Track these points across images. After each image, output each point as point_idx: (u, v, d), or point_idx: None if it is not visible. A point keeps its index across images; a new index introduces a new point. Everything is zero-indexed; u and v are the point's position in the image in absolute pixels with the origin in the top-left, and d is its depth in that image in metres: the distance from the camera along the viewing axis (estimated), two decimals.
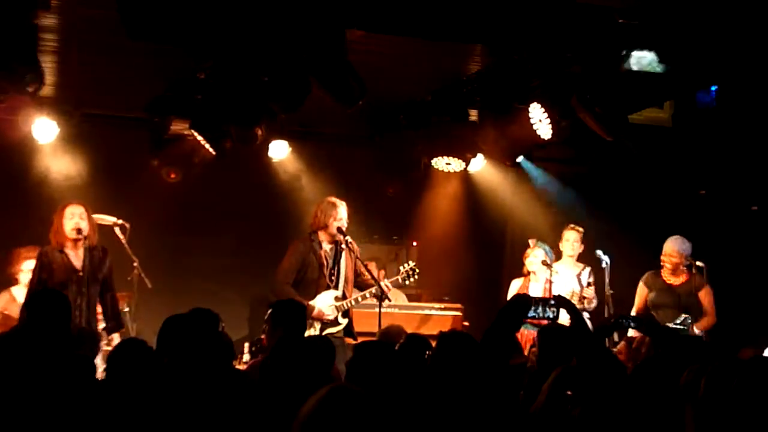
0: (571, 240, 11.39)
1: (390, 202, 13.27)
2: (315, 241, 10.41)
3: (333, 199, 10.54)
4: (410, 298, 12.40)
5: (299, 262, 10.31)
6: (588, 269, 11.38)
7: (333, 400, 3.37)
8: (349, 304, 10.34)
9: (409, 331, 8.57)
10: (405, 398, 5.25)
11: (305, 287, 10.27)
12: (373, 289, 10.33)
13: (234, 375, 6.00)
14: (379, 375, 5.63)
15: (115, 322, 9.83)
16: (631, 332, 9.60)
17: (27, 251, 10.48)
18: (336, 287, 10.37)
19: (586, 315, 11.13)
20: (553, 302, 6.27)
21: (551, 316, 6.23)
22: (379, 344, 6.39)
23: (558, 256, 11.43)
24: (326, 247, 10.43)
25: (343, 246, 10.43)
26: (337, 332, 10.27)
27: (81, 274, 9.52)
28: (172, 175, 12.16)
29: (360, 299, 10.40)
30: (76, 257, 9.59)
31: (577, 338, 6.21)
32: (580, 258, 11.48)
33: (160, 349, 5.67)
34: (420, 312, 11.15)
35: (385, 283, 10.33)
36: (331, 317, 10.22)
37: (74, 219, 9.60)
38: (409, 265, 10.76)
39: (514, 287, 11.26)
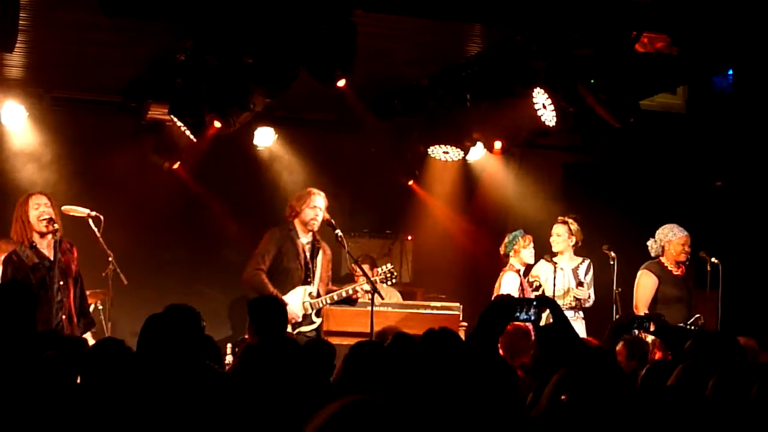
0: (554, 233, 11.45)
1: (383, 193, 13.26)
2: (292, 230, 10.53)
3: (310, 188, 10.69)
4: (405, 296, 12.39)
5: (275, 249, 10.44)
6: (587, 263, 11.40)
7: (353, 413, 3.25)
8: (322, 303, 10.42)
9: (404, 331, 8.58)
10: (395, 400, 5.27)
11: (281, 276, 10.40)
12: (350, 289, 10.46)
13: (216, 376, 6.02)
14: (372, 376, 5.66)
15: (86, 320, 9.78)
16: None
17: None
18: (312, 282, 10.46)
19: (581, 314, 11.20)
20: (535, 303, 6.25)
21: (535, 318, 6.20)
22: (374, 344, 6.42)
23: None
24: (303, 239, 10.53)
25: (319, 245, 10.63)
26: (310, 331, 10.37)
27: (56, 268, 9.46)
28: (166, 165, 12.19)
29: (336, 297, 10.49)
30: (48, 250, 9.53)
31: (561, 340, 6.22)
32: (580, 251, 11.52)
33: (142, 350, 5.67)
34: (415, 311, 11.13)
35: (359, 286, 10.49)
36: (300, 318, 10.30)
37: (40, 209, 9.50)
38: (387, 267, 10.87)
39: (511, 283, 11.31)
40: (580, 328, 10.72)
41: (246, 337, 8.63)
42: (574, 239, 11.43)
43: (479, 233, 13.72)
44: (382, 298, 10.60)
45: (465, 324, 10.98)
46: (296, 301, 10.32)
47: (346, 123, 13.02)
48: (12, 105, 11.43)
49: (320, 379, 5.85)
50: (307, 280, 10.50)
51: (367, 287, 10.37)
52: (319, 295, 10.49)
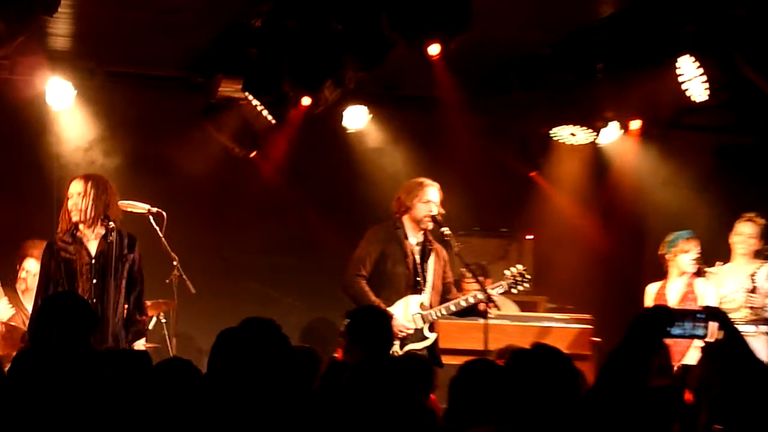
0: (745, 234, 11.23)
1: (496, 184, 13.20)
2: (399, 229, 10.42)
3: (422, 179, 10.52)
4: (523, 307, 12.33)
5: (378, 252, 10.29)
6: (766, 267, 11.19)
7: None
8: (436, 315, 10.31)
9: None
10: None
11: (386, 283, 10.24)
12: (470, 297, 10.31)
13: (302, 400, 6.03)
14: (487, 402, 5.64)
15: (135, 328, 9.75)
16: None
17: (33, 246, 10.54)
18: (423, 290, 10.35)
19: (764, 328, 10.97)
20: (702, 315, 6.11)
21: (701, 333, 6.06)
22: (488, 364, 6.39)
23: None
24: (412, 240, 10.43)
25: (432, 246, 10.46)
26: (422, 349, 10.24)
27: (94, 261, 9.49)
28: (240, 152, 12.25)
29: (453, 307, 10.36)
30: (93, 240, 9.55)
31: (731, 359, 6.12)
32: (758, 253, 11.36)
33: (213, 372, 5.69)
34: (537, 324, 11.10)
35: (490, 292, 10.31)
36: (412, 331, 10.21)
37: (72, 200, 9.52)
38: (517, 268, 10.66)
39: (651, 293, 11.18)
40: (761, 344, 10.52)
41: (336, 355, 8.63)
42: (761, 242, 11.24)
43: (613, 231, 13.64)
44: (499, 309, 10.50)
45: (599, 340, 10.90)
46: (403, 312, 10.23)
47: (455, 100, 12.93)
48: (58, 81, 11.52)
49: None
50: (417, 288, 10.37)
51: (494, 291, 10.25)
52: (431, 306, 10.38)
